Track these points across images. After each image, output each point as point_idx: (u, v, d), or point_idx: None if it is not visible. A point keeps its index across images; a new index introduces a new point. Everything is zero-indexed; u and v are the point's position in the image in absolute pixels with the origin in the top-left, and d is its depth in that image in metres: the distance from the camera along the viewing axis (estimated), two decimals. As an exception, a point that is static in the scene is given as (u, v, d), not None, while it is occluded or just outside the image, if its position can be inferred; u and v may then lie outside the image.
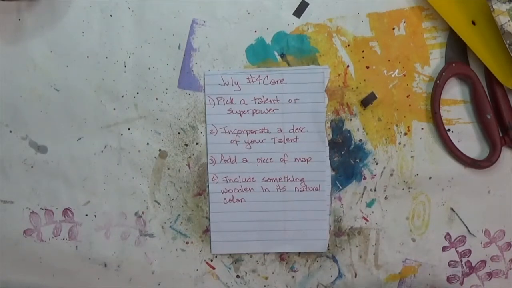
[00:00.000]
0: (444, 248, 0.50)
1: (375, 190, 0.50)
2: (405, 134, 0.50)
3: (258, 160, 0.50)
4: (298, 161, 0.50)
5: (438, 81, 0.49)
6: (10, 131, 0.50)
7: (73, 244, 0.50)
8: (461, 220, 0.50)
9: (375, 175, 0.50)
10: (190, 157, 0.50)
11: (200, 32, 0.49)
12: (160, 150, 0.50)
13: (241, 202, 0.50)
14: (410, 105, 0.50)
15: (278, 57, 0.50)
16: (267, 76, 0.49)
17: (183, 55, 0.49)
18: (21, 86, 0.49)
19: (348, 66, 0.50)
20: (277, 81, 0.49)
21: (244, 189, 0.50)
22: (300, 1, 0.49)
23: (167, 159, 0.50)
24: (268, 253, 0.51)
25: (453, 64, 0.49)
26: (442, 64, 0.50)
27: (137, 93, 0.50)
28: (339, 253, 0.51)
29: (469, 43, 0.48)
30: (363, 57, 0.50)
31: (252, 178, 0.50)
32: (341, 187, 0.50)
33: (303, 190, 0.50)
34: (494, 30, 0.46)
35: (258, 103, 0.49)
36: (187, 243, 0.51)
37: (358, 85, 0.50)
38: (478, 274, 0.51)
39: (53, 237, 0.50)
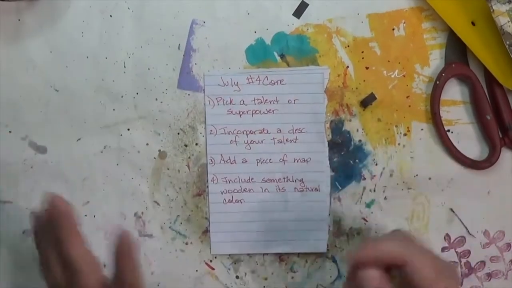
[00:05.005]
0: (443, 249, 0.50)
1: (374, 190, 0.50)
2: (405, 134, 0.50)
3: (258, 161, 0.50)
4: (297, 161, 0.50)
5: (437, 82, 0.49)
6: (10, 131, 0.50)
7: (72, 244, 0.50)
8: (460, 221, 0.50)
9: (374, 176, 0.50)
10: (189, 157, 0.50)
11: (200, 33, 0.49)
12: (159, 150, 0.50)
13: (241, 202, 0.50)
14: (409, 106, 0.50)
15: (278, 58, 0.50)
16: (266, 77, 0.49)
17: (183, 55, 0.49)
18: (21, 86, 0.49)
19: (347, 66, 0.50)
20: (276, 82, 0.49)
21: (244, 190, 0.50)
22: (299, 2, 0.49)
23: (166, 160, 0.50)
24: (267, 254, 0.51)
25: (453, 65, 0.49)
26: (441, 65, 0.50)
27: (137, 93, 0.50)
28: (339, 253, 0.51)
29: (468, 44, 0.48)
30: (362, 58, 0.50)
31: (252, 179, 0.50)
32: (340, 188, 0.50)
33: (303, 191, 0.50)
34: (493, 31, 0.46)
35: (258, 103, 0.49)
36: (186, 243, 0.51)
37: (357, 85, 0.50)
38: (477, 275, 0.51)
39: (52, 237, 0.50)
